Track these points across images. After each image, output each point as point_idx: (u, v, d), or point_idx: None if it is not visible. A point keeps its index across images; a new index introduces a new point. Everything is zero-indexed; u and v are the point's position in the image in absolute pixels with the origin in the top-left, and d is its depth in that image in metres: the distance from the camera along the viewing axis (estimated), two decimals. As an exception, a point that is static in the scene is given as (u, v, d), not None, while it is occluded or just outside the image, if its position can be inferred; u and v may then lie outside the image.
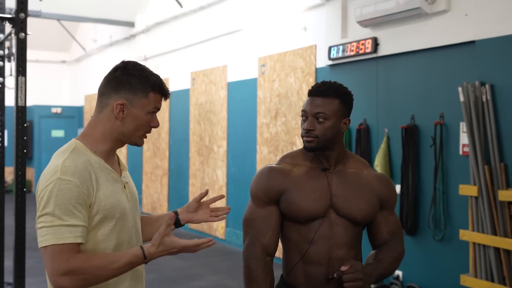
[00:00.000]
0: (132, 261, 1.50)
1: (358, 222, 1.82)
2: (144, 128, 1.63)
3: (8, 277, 4.26)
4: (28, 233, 3.18)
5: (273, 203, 1.82)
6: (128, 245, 1.62)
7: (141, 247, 1.51)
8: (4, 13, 4.17)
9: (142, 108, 1.60)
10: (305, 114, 1.80)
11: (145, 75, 1.63)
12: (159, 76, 1.68)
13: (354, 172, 1.86)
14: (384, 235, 1.88)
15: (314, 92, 1.79)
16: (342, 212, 1.79)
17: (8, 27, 4.48)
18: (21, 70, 3.43)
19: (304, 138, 1.80)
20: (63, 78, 13.56)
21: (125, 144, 1.67)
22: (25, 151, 3.33)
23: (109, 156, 1.65)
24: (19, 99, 3.44)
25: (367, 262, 1.83)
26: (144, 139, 1.67)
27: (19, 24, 3.39)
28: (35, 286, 4.35)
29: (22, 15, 3.38)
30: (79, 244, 1.48)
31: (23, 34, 3.41)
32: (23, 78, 3.46)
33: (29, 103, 11.23)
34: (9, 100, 4.46)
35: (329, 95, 1.78)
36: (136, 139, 1.65)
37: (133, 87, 1.60)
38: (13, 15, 3.38)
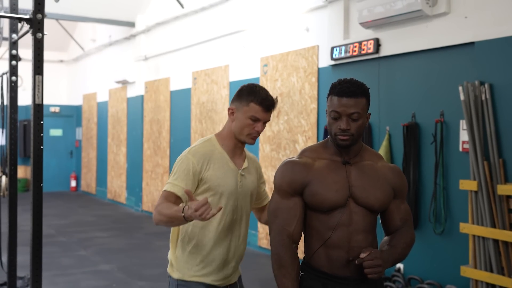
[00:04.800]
0: (177, 209, 1.98)
1: (375, 210, 1.96)
2: (246, 129, 2.19)
3: (19, 272, 4.36)
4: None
5: (297, 195, 1.95)
6: (225, 217, 2.19)
7: (183, 207, 1.97)
8: (17, 13, 4.27)
9: (244, 114, 2.18)
10: (337, 115, 1.89)
11: (253, 90, 2.20)
12: (266, 93, 2.20)
13: (370, 164, 2.00)
14: (396, 222, 2.02)
15: (345, 92, 1.88)
16: (361, 201, 1.92)
17: (23, 28, 4.58)
18: (39, 69, 3.54)
19: (339, 136, 1.90)
20: (61, 77, 13.61)
21: (241, 142, 2.21)
22: (42, 147, 3.45)
23: (234, 151, 2.24)
24: (36, 97, 3.55)
25: (381, 248, 1.98)
26: (253, 139, 2.20)
27: (37, 24, 3.49)
28: (46, 280, 4.46)
29: (39, 15, 3.49)
30: (172, 193, 2.10)
31: (40, 35, 3.51)
32: (40, 76, 3.57)
33: (28, 102, 11.28)
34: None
35: (359, 95, 1.89)
36: (243, 138, 2.21)
37: (241, 97, 2.20)
38: (31, 16, 3.48)
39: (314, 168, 1.96)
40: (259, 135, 2.22)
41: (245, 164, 2.27)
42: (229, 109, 2.24)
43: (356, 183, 1.93)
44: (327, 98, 1.96)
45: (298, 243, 1.98)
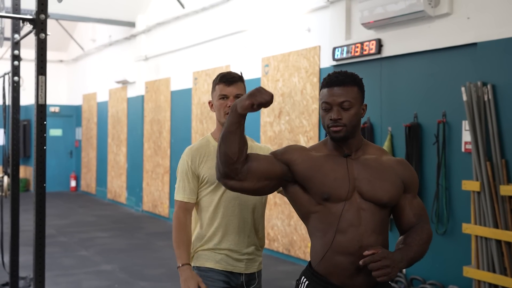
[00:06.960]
0: (179, 255, 2.29)
1: (384, 204, 1.82)
2: (222, 110, 2.33)
3: (20, 272, 4.36)
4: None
5: (283, 163, 1.85)
6: (226, 208, 2.30)
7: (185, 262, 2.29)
8: (19, 13, 4.26)
9: (215, 98, 2.37)
10: (328, 106, 1.82)
11: (216, 77, 2.39)
12: (226, 72, 2.35)
13: (375, 158, 1.89)
14: (410, 219, 1.88)
15: (334, 82, 1.82)
16: (367, 195, 1.80)
17: (25, 28, 4.57)
18: (42, 69, 3.54)
19: (331, 128, 1.81)
20: (61, 77, 13.61)
21: None
22: (45, 147, 3.45)
23: None
24: (39, 97, 3.55)
25: (396, 248, 1.81)
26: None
27: (40, 25, 3.48)
28: (48, 280, 4.47)
29: (42, 16, 3.48)
30: (185, 202, 2.33)
31: (43, 35, 3.51)
32: (43, 77, 3.56)
33: (27, 102, 11.27)
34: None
35: (348, 83, 1.82)
36: (223, 120, 2.32)
37: (211, 89, 2.40)
38: (34, 16, 3.47)
39: (313, 156, 1.87)
40: None
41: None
42: (208, 103, 2.45)
43: (360, 176, 1.82)
44: (319, 92, 1.89)
45: (242, 159, 1.79)
